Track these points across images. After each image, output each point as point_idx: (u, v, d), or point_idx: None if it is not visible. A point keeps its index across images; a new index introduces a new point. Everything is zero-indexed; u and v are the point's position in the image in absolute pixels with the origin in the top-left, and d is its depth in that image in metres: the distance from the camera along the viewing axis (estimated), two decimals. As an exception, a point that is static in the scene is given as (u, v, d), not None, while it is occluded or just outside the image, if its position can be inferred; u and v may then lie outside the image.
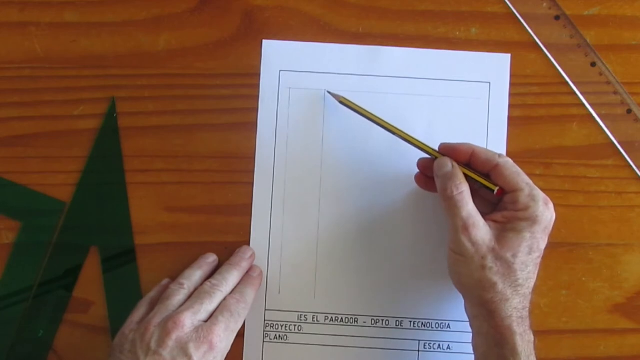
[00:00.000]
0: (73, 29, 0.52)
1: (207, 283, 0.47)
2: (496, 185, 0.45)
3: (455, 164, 0.46)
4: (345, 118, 0.51)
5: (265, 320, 0.51)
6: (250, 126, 0.52)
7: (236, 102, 0.52)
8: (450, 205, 0.44)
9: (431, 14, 0.52)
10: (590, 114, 0.52)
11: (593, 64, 0.52)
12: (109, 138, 0.52)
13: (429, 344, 0.51)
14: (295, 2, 0.52)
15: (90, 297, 0.51)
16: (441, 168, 0.46)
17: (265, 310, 0.51)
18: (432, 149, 0.47)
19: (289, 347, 0.51)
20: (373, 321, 0.51)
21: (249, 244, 0.51)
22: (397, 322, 0.51)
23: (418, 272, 0.51)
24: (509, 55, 0.52)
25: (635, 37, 0.52)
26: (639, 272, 0.51)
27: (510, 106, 0.51)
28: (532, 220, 0.44)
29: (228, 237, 0.51)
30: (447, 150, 0.47)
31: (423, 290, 0.51)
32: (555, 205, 0.45)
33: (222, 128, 0.52)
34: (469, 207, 0.44)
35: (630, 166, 0.51)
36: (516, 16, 0.52)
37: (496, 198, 0.46)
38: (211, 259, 0.51)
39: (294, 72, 0.52)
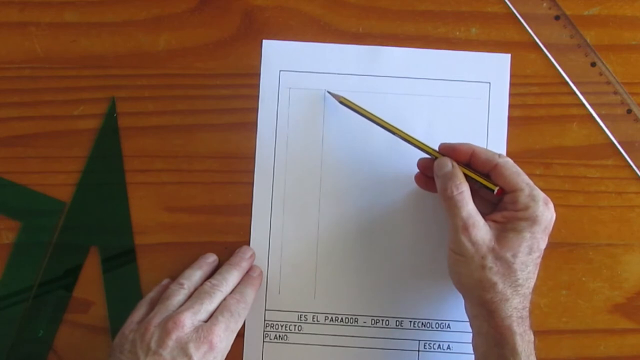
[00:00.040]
0: (73, 29, 0.52)
1: (207, 283, 0.47)
2: (496, 185, 0.45)
3: (455, 164, 0.46)
4: (345, 118, 0.51)
5: (265, 320, 0.51)
6: (250, 126, 0.52)
7: (236, 102, 0.52)
8: (450, 205, 0.44)
9: (431, 14, 0.52)
10: (590, 114, 0.52)
11: (593, 64, 0.52)
12: (109, 138, 0.52)
13: (429, 344, 0.51)
14: (295, 2, 0.52)
15: (90, 297, 0.51)
16: (441, 168, 0.46)
17: (265, 310, 0.51)
18: (432, 149, 0.47)
19: (289, 347, 0.51)
20: (373, 321, 0.51)
21: (249, 244, 0.51)
22: (397, 322, 0.51)
23: (418, 272, 0.51)
24: (509, 55, 0.52)
25: (635, 37, 0.52)
26: (639, 272, 0.51)
27: (510, 106, 0.51)
28: (532, 220, 0.44)
29: (228, 237, 0.51)
30: (447, 150, 0.47)
31: (423, 290, 0.51)
32: (555, 205, 0.45)
33: (222, 128, 0.52)
34: (469, 207, 0.44)
35: (630, 166, 0.51)
36: (516, 16, 0.52)
37: (496, 198, 0.46)
38: (211, 259, 0.51)
39: (294, 72, 0.52)
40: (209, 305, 0.46)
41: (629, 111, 0.51)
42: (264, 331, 0.51)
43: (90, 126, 0.52)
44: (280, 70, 0.52)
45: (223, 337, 0.45)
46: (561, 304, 0.51)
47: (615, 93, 0.51)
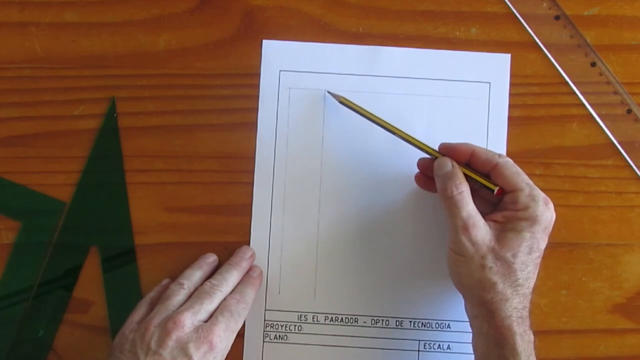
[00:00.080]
0: (73, 29, 0.52)
1: (207, 283, 0.47)
2: (496, 185, 0.45)
3: (455, 164, 0.46)
4: (345, 118, 0.51)
5: (265, 320, 0.51)
6: (250, 126, 0.52)
7: (236, 102, 0.52)
8: (450, 205, 0.44)
9: (431, 14, 0.52)
10: (590, 114, 0.52)
11: (593, 64, 0.52)
12: (109, 138, 0.52)
13: (429, 344, 0.51)
14: (295, 2, 0.52)
15: (90, 297, 0.51)
16: (441, 168, 0.46)
17: (265, 310, 0.51)
18: (432, 149, 0.47)
19: (289, 347, 0.51)
20: (373, 321, 0.51)
21: (249, 244, 0.51)
22: (397, 322, 0.51)
23: (418, 272, 0.51)
24: (509, 55, 0.52)
25: (635, 37, 0.52)
26: (639, 272, 0.51)
27: (510, 106, 0.51)
28: (532, 220, 0.44)
29: (228, 237, 0.51)
30: (447, 150, 0.47)
31: (423, 290, 0.51)
32: (555, 205, 0.45)
33: (222, 128, 0.52)
34: (469, 207, 0.44)
35: (630, 166, 0.51)
36: (516, 16, 0.52)
37: (496, 198, 0.46)
38: (211, 259, 0.51)
39: (294, 72, 0.52)
40: (209, 305, 0.46)
41: (629, 111, 0.51)
42: (264, 331, 0.51)
43: (90, 126, 0.52)
44: (280, 70, 0.52)
45: (223, 337, 0.45)
46: (561, 304, 0.51)
47: (615, 93, 0.51)
